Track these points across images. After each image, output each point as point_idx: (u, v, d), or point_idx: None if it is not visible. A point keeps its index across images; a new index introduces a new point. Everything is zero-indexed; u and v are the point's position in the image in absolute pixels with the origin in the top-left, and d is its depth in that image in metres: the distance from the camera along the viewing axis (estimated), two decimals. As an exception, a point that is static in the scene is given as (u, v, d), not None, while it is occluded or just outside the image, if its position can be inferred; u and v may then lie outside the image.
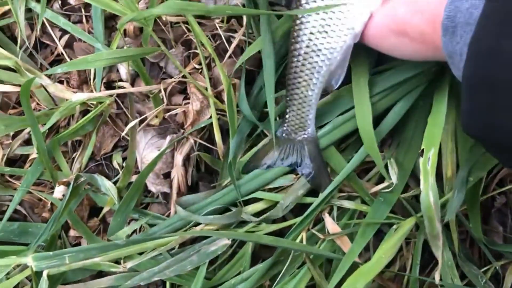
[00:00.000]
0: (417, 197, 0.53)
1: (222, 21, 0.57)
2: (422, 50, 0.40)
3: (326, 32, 0.45)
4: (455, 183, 0.49)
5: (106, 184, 0.54)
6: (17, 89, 0.58)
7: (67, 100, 0.58)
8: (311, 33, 0.45)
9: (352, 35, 0.44)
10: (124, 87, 0.57)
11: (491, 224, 0.56)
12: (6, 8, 0.60)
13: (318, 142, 0.51)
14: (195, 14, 0.50)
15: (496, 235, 0.56)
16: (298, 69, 0.48)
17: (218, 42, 0.56)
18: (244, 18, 0.54)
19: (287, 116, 0.51)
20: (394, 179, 0.50)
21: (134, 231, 0.56)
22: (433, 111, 0.48)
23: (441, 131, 0.46)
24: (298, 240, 0.51)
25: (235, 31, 0.56)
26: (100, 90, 0.56)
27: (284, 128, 0.52)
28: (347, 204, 0.51)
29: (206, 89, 0.54)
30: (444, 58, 0.38)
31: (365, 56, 0.49)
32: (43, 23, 0.60)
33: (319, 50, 0.46)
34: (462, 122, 0.35)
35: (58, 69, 0.50)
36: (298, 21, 0.46)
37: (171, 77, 0.57)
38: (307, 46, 0.46)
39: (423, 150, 0.47)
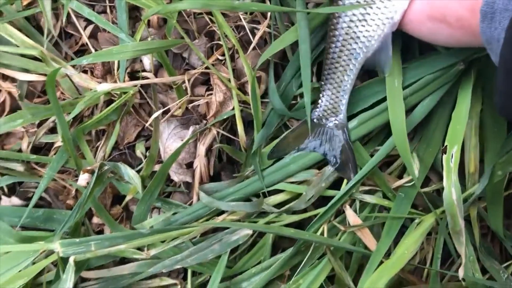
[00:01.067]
0: (438, 191, 0.53)
1: (246, 13, 0.57)
2: (459, 35, 0.41)
3: (366, 20, 0.46)
4: (481, 179, 0.48)
5: (129, 173, 0.55)
6: (43, 78, 0.59)
7: (91, 89, 0.59)
8: (350, 20, 0.46)
9: (391, 24, 0.45)
10: (148, 78, 0.57)
11: (513, 218, 0.56)
12: (32, -3, 0.61)
13: (348, 129, 0.51)
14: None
15: (518, 231, 0.56)
16: (335, 54, 0.48)
17: (241, 34, 0.56)
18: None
19: (320, 100, 0.52)
20: (416, 173, 0.50)
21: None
22: (457, 108, 0.48)
23: (464, 129, 0.46)
24: (319, 232, 0.51)
25: (259, 23, 0.57)
26: (124, 81, 0.57)
27: (316, 113, 0.52)
28: (369, 198, 0.51)
29: (229, 80, 0.54)
30: (480, 44, 0.39)
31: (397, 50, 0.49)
32: (68, 13, 0.60)
33: (358, 37, 0.47)
34: (496, 104, 0.37)
35: (83, 61, 0.50)
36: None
37: (194, 68, 0.58)
38: (346, 33, 0.47)
39: (446, 146, 0.47)
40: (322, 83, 0.51)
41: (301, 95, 0.54)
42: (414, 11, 0.43)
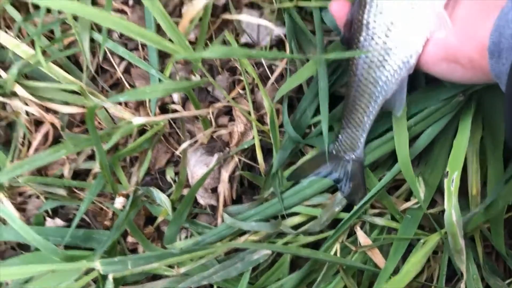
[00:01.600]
0: (443, 212, 0.57)
1: (265, 48, 0.63)
2: (471, 74, 0.43)
3: (383, 66, 0.48)
4: (480, 205, 0.52)
5: (161, 197, 0.60)
6: (82, 110, 0.65)
7: (125, 119, 0.66)
8: (369, 67, 0.49)
9: (407, 68, 0.47)
10: (177, 110, 0.63)
11: (516, 239, 0.60)
12: (71, 38, 0.68)
13: (363, 164, 0.55)
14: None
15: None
16: (356, 97, 0.51)
17: (261, 70, 0.62)
18: (287, 46, 0.59)
19: (340, 136, 0.55)
20: (421, 196, 0.54)
21: (186, 237, 0.63)
22: (458, 136, 0.52)
23: (463, 156, 0.51)
24: (332, 251, 0.56)
25: (277, 59, 0.62)
26: (155, 114, 0.63)
27: (335, 146, 0.56)
28: (378, 220, 0.56)
29: (249, 113, 0.60)
30: (491, 81, 0.41)
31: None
32: (104, 51, 0.67)
33: (376, 82, 0.49)
34: (506, 136, 0.40)
35: (120, 98, 0.56)
36: (357, 56, 0.49)
37: (218, 100, 0.64)
38: (365, 79, 0.49)
39: (447, 172, 0.51)
40: (343, 121, 0.54)
41: (315, 124, 0.59)
42: (428, 54, 0.45)
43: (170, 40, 0.56)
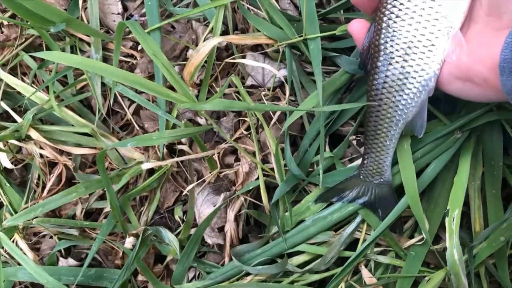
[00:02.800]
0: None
1: (268, 90, 0.65)
2: (487, 93, 0.44)
3: (403, 90, 0.49)
4: (483, 244, 0.53)
5: (169, 237, 0.62)
6: (93, 151, 0.68)
7: (135, 159, 0.68)
8: (388, 92, 0.49)
9: (427, 91, 0.48)
10: (184, 151, 0.65)
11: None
12: (84, 83, 0.71)
13: (392, 186, 0.56)
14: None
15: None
16: (377, 122, 0.52)
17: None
18: (287, 89, 0.61)
19: (365, 162, 0.55)
20: (424, 234, 0.55)
21: (194, 276, 0.65)
22: (458, 173, 0.53)
23: (464, 193, 0.51)
24: (338, 289, 0.57)
25: (279, 99, 0.64)
26: (163, 154, 0.65)
27: (362, 171, 0.56)
28: (382, 259, 0.56)
29: (254, 153, 0.61)
30: (506, 99, 0.42)
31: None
32: (114, 93, 0.70)
33: (396, 106, 0.50)
34: None
35: (128, 144, 0.58)
36: (375, 81, 0.50)
37: (223, 140, 0.65)
38: (385, 103, 0.50)
39: (448, 210, 0.52)
40: (366, 146, 0.54)
41: (317, 163, 0.61)
42: (442, 73, 0.47)
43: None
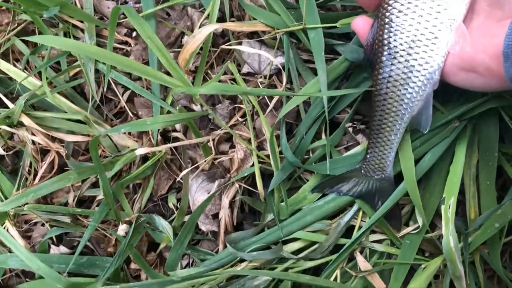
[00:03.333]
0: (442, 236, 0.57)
1: (264, 78, 0.64)
2: (491, 82, 0.44)
3: (408, 83, 0.49)
4: (477, 232, 0.53)
5: (163, 224, 0.61)
6: (87, 138, 0.67)
7: (128, 147, 0.67)
8: (393, 86, 0.49)
9: (431, 84, 0.48)
10: (178, 138, 0.64)
11: (517, 262, 0.60)
12: (77, 69, 0.70)
13: (393, 182, 0.55)
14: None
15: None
16: (382, 117, 0.52)
17: (260, 97, 0.63)
18: (284, 77, 0.61)
19: (368, 155, 0.55)
20: (420, 222, 0.55)
21: (188, 264, 0.64)
22: (453, 162, 0.53)
23: (459, 181, 0.51)
24: (333, 277, 0.56)
25: (276, 87, 0.63)
26: (157, 141, 0.64)
27: (364, 165, 0.56)
28: (377, 246, 0.56)
29: (250, 140, 0.61)
30: (509, 86, 0.42)
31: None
32: (108, 80, 0.69)
33: (402, 99, 0.50)
34: None
35: (122, 129, 0.58)
36: (380, 76, 0.50)
37: (219, 127, 0.65)
38: (390, 98, 0.50)
39: (444, 197, 0.51)
40: (370, 141, 0.54)
41: (314, 150, 0.60)
42: (447, 65, 0.47)
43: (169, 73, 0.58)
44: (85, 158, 0.70)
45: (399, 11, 0.47)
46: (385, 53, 0.49)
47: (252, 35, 0.66)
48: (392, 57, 0.49)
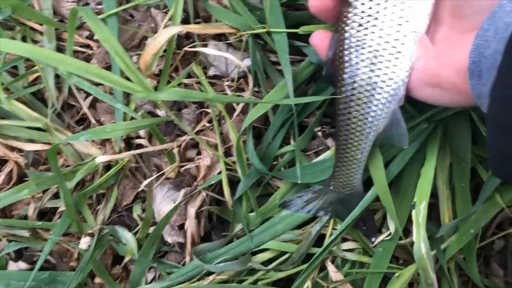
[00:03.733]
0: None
1: (232, 80, 0.62)
2: (456, 98, 0.41)
3: (371, 101, 0.46)
4: (451, 238, 0.51)
5: (126, 236, 0.58)
6: (47, 147, 0.64)
7: (92, 155, 0.64)
8: (357, 104, 0.47)
9: (396, 100, 0.46)
10: (142, 145, 0.62)
11: (492, 267, 0.58)
12: (36, 74, 0.66)
13: (363, 197, 0.53)
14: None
15: (497, 278, 0.58)
16: (347, 136, 0.49)
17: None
18: (250, 81, 0.58)
19: (335, 174, 0.53)
20: (392, 228, 0.53)
21: (154, 278, 0.61)
22: (425, 165, 0.51)
23: (430, 184, 0.49)
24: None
25: (243, 90, 0.61)
26: (120, 149, 0.61)
27: (332, 182, 0.54)
28: (349, 255, 0.54)
29: (216, 146, 0.58)
30: (476, 103, 0.39)
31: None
32: (69, 86, 0.66)
33: (366, 118, 0.47)
34: (490, 165, 0.36)
35: (81, 137, 0.55)
36: (343, 94, 0.47)
37: (185, 133, 0.62)
38: (354, 117, 0.48)
39: (415, 202, 0.50)
40: (337, 159, 0.52)
41: (281, 155, 0.58)
42: (412, 80, 0.44)
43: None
44: (46, 167, 0.67)
45: (359, 25, 0.44)
46: (347, 70, 0.46)
47: (219, 36, 0.63)
48: (354, 74, 0.46)
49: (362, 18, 0.44)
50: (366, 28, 0.44)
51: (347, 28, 0.45)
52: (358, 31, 0.45)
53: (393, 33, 0.43)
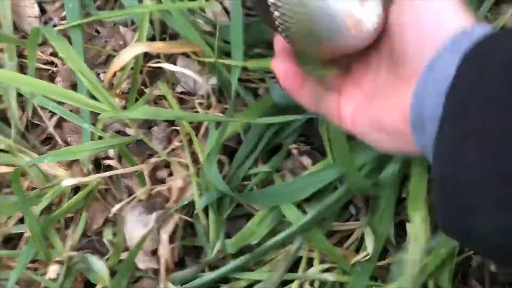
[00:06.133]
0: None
1: (202, 97, 0.60)
2: (404, 146, 0.37)
3: None
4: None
5: (96, 264, 0.56)
6: (11, 169, 0.61)
7: (58, 176, 0.61)
8: None
9: None
10: (111, 166, 0.59)
11: (470, 283, 0.58)
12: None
13: None
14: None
15: (476, 294, 0.58)
16: None
17: (196, 120, 0.59)
18: (213, 102, 0.57)
19: None
20: (370, 248, 0.52)
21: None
22: (412, 178, 0.51)
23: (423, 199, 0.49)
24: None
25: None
26: (89, 170, 0.59)
27: None
28: (327, 276, 0.53)
29: (187, 166, 0.56)
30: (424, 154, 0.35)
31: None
32: (33, 105, 0.63)
33: None
34: (438, 223, 0.33)
35: (45, 160, 0.53)
36: None
37: (157, 152, 0.60)
38: None
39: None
40: None
41: (254, 174, 0.57)
42: (359, 122, 0.41)
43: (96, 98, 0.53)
44: (10, 191, 0.63)
45: None
46: None
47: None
48: None
49: None
50: None
51: None
52: None
53: None
